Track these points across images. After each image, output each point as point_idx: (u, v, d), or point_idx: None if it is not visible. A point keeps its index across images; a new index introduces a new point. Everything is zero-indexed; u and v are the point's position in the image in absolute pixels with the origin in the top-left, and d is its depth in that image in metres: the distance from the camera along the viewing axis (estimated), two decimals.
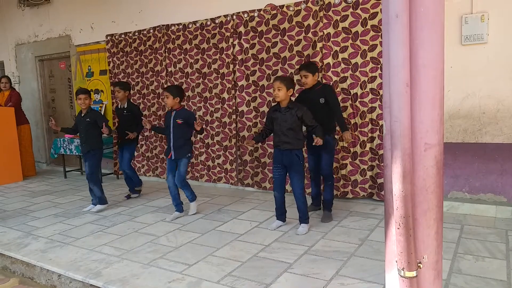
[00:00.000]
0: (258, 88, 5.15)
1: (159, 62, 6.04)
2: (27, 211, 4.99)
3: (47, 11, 7.47)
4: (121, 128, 5.13)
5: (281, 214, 3.94)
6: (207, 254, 3.36)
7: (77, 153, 6.59)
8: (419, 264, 1.40)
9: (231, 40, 5.30)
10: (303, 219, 3.80)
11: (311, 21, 4.69)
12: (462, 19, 3.93)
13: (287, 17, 4.85)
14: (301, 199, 3.76)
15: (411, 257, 1.35)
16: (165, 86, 5.98)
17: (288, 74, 4.88)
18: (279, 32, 4.93)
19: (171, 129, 4.29)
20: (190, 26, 5.65)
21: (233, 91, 5.39)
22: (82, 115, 4.74)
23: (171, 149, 4.32)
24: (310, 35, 4.72)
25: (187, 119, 4.26)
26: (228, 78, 5.39)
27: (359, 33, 4.44)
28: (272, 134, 3.93)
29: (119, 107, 5.19)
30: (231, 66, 5.33)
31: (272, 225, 3.93)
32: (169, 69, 5.96)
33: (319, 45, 4.67)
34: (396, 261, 1.39)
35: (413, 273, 1.37)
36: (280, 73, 4.97)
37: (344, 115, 4.61)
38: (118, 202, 5.22)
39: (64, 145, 6.72)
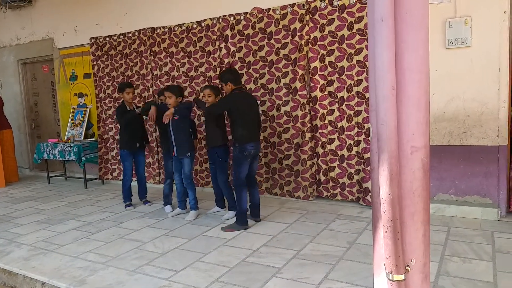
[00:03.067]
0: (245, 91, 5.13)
1: (144, 65, 5.98)
2: (9, 217, 4.87)
3: (30, 14, 7.34)
4: (138, 131, 5.03)
5: (218, 201, 4.65)
6: (195, 260, 3.32)
7: (60, 158, 6.47)
8: (407, 267, 1.39)
9: (217, 43, 5.28)
10: (229, 206, 4.43)
11: (297, 25, 4.70)
12: (446, 23, 3.98)
13: (273, 21, 4.86)
14: (224, 189, 4.42)
15: (399, 260, 1.35)
16: (150, 89, 5.94)
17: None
18: (265, 35, 4.93)
19: (171, 127, 4.41)
20: (176, 29, 5.61)
21: (220, 95, 5.35)
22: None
23: (173, 147, 4.46)
24: (296, 38, 4.73)
25: (184, 112, 4.43)
26: (214, 81, 5.36)
27: (345, 36, 4.46)
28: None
29: (128, 109, 4.95)
30: (218, 69, 5.31)
31: (211, 209, 4.64)
32: (155, 73, 5.91)
33: (306, 48, 4.68)
34: (384, 265, 1.38)
35: (401, 277, 1.36)
36: (267, 77, 4.97)
37: (331, 118, 4.65)
38: (103, 208, 5.13)
39: (48, 150, 6.59)
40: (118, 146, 5.84)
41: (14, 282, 3.38)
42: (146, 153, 5.53)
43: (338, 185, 4.72)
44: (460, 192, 4.12)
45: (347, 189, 4.68)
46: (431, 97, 3.98)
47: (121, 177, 5.31)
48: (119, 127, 5.09)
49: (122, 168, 5.37)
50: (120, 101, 6.12)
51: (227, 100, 4.13)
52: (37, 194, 6.13)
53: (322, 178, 4.78)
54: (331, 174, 4.74)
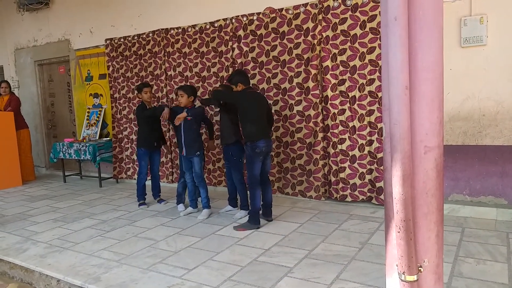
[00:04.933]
0: (258, 91, 5.14)
1: (158, 66, 6.04)
2: (26, 216, 4.97)
3: (47, 16, 7.48)
4: (156, 130, 5.09)
5: (231, 199, 4.67)
6: (207, 259, 3.34)
7: (76, 158, 6.58)
8: (419, 268, 1.38)
9: (230, 43, 5.30)
10: (241, 205, 4.46)
11: (310, 24, 4.69)
12: (461, 21, 3.93)
13: (286, 20, 4.85)
14: (238, 187, 4.46)
15: (411, 261, 1.34)
16: (164, 89, 5.99)
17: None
18: (278, 35, 4.93)
19: (182, 126, 4.49)
20: (189, 30, 5.65)
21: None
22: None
23: (183, 146, 4.52)
24: (309, 38, 4.72)
25: (196, 116, 4.49)
26: (227, 82, 5.37)
27: (358, 35, 4.44)
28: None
29: (148, 108, 5.04)
30: (231, 69, 5.33)
31: (224, 208, 4.68)
32: (169, 73, 5.96)
33: (318, 48, 4.67)
34: (397, 265, 1.38)
35: (414, 277, 1.35)
36: (280, 76, 4.97)
37: (342, 118, 4.62)
38: (118, 206, 5.20)
39: (63, 149, 6.70)
40: (135, 145, 5.91)
41: (31, 279, 3.45)
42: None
43: (348, 186, 4.69)
44: (475, 192, 4.06)
45: (358, 189, 4.64)
46: (446, 96, 3.93)
47: (135, 176, 5.37)
48: (138, 126, 5.15)
49: (136, 167, 5.44)
50: (135, 101, 6.23)
51: (236, 93, 4.18)
52: (53, 193, 6.24)
53: (333, 179, 4.76)
54: (341, 175, 4.71)
